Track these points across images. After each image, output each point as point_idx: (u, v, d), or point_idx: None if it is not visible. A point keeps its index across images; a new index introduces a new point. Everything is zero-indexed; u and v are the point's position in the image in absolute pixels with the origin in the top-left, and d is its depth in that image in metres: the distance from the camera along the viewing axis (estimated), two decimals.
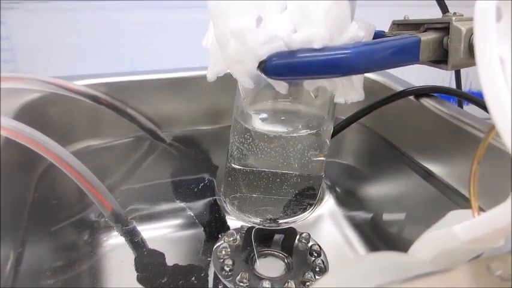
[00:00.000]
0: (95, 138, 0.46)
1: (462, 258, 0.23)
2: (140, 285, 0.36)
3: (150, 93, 0.47)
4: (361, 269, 0.21)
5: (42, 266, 0.35)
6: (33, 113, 0.41)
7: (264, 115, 0.34)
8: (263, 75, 0.27)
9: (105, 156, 0.47)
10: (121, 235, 0.38)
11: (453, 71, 0.50)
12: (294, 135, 0.33)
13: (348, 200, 0.50)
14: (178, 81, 0.48)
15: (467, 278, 0.21)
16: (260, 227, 0.37)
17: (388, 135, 0.48)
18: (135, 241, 0.39)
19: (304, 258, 0.39)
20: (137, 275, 0.36)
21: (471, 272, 0.21)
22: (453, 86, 0.51)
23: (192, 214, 0.45)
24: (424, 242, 0.24)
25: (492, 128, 0.22)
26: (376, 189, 0.49)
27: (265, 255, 0.39)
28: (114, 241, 0.41)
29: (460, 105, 0.52)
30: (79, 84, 0.42)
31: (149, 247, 0.39)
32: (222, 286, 0.36)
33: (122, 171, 0.47)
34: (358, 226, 0.46)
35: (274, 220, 0.36)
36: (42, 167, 0.41)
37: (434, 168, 0.43)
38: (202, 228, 0.44)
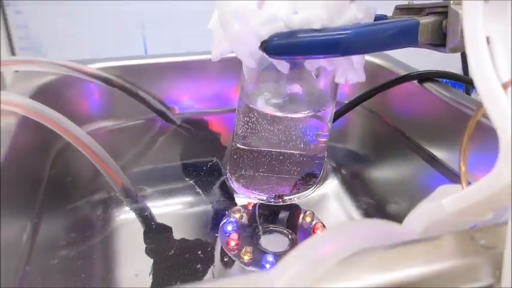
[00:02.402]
0: (107, 120, 0.48)
1: (451, 231, 0.24)
2: (148, 257, 0.38)
3: (162, 76, 0.48)
4: (354, 232, 0.22)
5: (58, 237, 0.37)
6: (49, 94, 0.42)
7: (267, 95, 0.35)
8: (265, 55, 0.29)
9: (118, 137, 0.48)
10: (131, 209, 0.40)
11: (461, 56, 0.51)
12: (296, 115, 0.34)
13: (353, 181, 0.51)
14: (189, 64, 0.49)
15: (451, 245, 0.22)
16: (265, 203, 0.38)
17: (393, 120, 0.49)
18: (144, 215, 0.40)
19: (308, 235, 0.40)
20: (146, 247, 0.38)
21: (456, 241, 0.22)
22: None
23: (201, 192, 0.47)
24: (416, 214, 0.25)
25: (481, 105, 0.23)
26: (381, 173, 0.50)
27: (270, 232, 0.41)
28: (126, 216, 0.42)
29: (468, 92, 0.52)
30: (92, 67, 0.44)
31: (157, 221, 0.41)
32: (227, 259, 0.37)
33: (133, 151, 0.49)
34: (361, 207, 0.47)
35: (279, 197, 0.38)
36: (58, 146, 0.43)
37: (438, 153, 0.43)
38: (211, 206, 0.45)
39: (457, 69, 0.48)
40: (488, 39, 0.22)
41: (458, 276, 0.21)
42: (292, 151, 0.35)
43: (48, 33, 0.83)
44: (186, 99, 0.50)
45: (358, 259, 0.19)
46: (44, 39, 0.83)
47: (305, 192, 0.38)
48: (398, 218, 0.24)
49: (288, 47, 0.28)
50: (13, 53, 0.82)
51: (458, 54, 0.48)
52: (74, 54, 0.83)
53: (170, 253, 0.38)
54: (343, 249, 0.19)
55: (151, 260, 0.38)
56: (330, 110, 0.36)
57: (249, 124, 0.35)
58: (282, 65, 0.30)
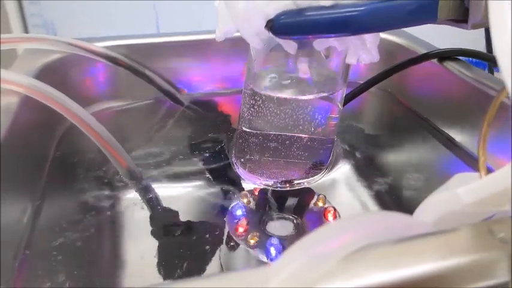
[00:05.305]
0: (114, 100, 0.47)
1: (466, 222, 0.23)
2: (154, 239, 0.37)
3: (170, 56, 0.47)
4: (358, 226, 0.21)
5: (62, 219, 0.37)
6: (54, 73, 0.42)
7: (274, 77, 0.33)
8: (271, 35, 0.27)
9: (124, 118, 0.48)
10: (136, 192, 0.39)
11: (485, 33, 0.48)
12: (304, 98, 0.33)
13: (367, 165, 0.50)
14: (198, 43, 0.48)
15: (467, 239, 0.20)
16: (273, 188, 0.37)
17: (411, 101, 0.47)
18: (149, 197, 0.40)
19: (318, 220, 0.39)
20: (151, 230, 0.38)
21: (472, 234, 0.21)
22: None
23: (209, 175, 0.46)
24: (428, 204, 0.23)
25: (502, 89, 0.22)
26: (397, 157, 0.49)
27: (278, 216, 0.40)
28: (133, 197, 0.42)
29: (491, 71, 0.50)
30: (99, 45, 0.43)
31: (163, 204, 0.40)
32: (233, 243, 0.36)
33: (140, 133, 0.48)
34: (375, 192, 0.46)
35: (286, 182, 0.37)
36: (64, 126, 0.42)
37: (458, 136, 0.42)
38: (219, 189, 0.44)
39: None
40: None
41: (472, 273, 0.20)
42: (299, 135, 0.34)
43: (60, 9, 0.82)
44: (196, 80, 0.49)
45: (362, 255, 0.18)
46: (57, 15, 0.82)
47: (314, 177, 0.37)
48: (413, 205, 0.23)
49: (296, 26, 0.26)
50: (26, 29, 0.82)
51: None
52: (86, 31, 0.83)
53: (176, 235, 0.37)
54: (346, 245, 0.18)
55: (157, 243, 0.37)
56: (341, 92, 0.34)
57: (255, 107, 0.33)
58: (289, 45, 0.28)
